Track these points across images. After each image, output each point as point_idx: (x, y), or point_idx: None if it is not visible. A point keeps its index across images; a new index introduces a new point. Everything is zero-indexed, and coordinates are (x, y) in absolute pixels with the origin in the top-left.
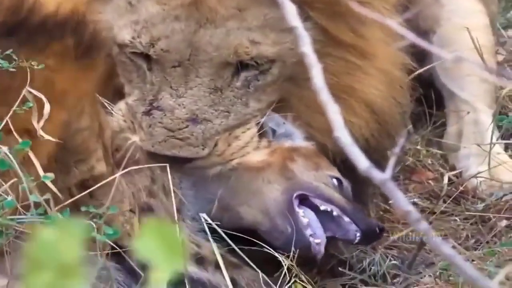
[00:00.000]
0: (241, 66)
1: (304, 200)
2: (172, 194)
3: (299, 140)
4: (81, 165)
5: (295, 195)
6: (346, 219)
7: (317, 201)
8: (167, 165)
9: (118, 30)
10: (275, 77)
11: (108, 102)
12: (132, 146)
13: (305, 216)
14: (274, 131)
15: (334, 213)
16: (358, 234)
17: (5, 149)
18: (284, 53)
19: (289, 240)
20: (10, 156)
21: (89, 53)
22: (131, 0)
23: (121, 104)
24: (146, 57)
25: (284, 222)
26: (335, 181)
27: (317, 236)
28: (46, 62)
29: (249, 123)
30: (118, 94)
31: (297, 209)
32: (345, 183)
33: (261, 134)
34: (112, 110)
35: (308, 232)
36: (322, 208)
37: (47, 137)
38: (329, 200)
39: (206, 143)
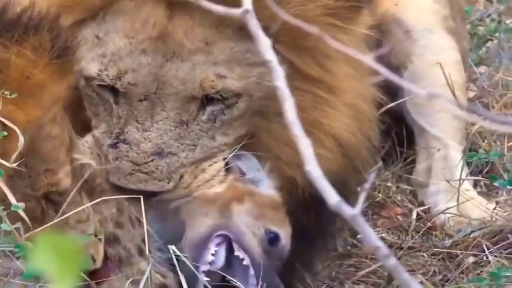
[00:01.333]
0: (207, 100)
1: (228, 241)
2: (145, 224)
3: (265, 188)
4: (50, 175)
5: (218, 233)
6: (251, 272)
7: (235, 246)
8: (141, 196)
9: (85, 63)
10: (242, 111)
11: (76, 135)
12: (90, 170)
13: (215, 254)
14: (243, 173)
15: (244, 262)
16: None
17: None
18: (250, 87)
19: (188, 269)
20: None
21: (64, 54)
22: (98, 33)
23: (88, 137)
24: (113, 90)
25: (192, 253)
26: (269, 235)
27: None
28: (23, 53)
29: (216, 157)
30: (86, 127)
31: (210, 245)
32: (284, 242)
33: (228, 170)
34: (79, 142)
35: (204, 268)
36: (236, 253)
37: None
38: (245, 249)
39: (171, 177)
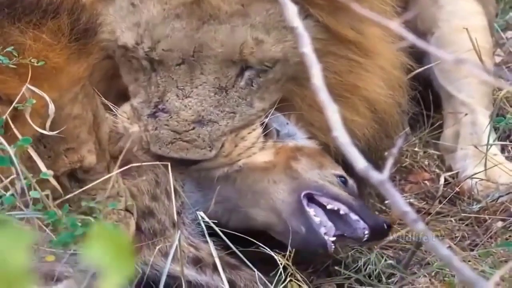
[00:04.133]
0: (246, 66)
1: (311, 199)
2: (173, 197)
3: (301, 140)
4: (71, 154)
5: (302, 194)
6: (354, 217)
7: (323, 200)
8: (168, 163)
9: (120, 33)
10: (278, 75)
11: (112, 104)
12: (130, 139)
13: (316, 215)
14: (278, 132)
15: (341, 212)
16: (366, 232)
17: (8, 147)
18: (287, 52)
19: (304, 240)
20: (12, 153)
21: (84, 36)
22: (133, 0)
23: (126, 107)
24: (150, 59)
25: (297, 223)
26: (339, 179)
27: (330, 234)
28: (39, 37)
29: (254, 124)
30: (121, 96)
31: (307, 208)
32: (350, 181)
33: (266, 135)
34: (117, 112)
35: (322, 230)
36: (329, 206)
37: (44, 132)
38: (335, 198)
39: (213, 145)
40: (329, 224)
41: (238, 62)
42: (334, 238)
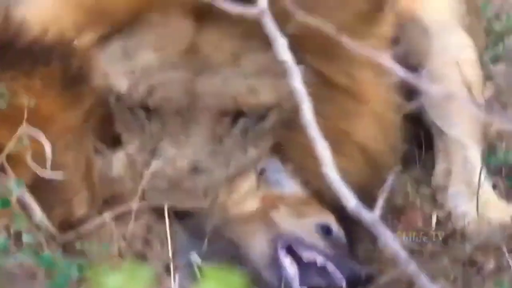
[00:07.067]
0: (240, 113)
1: (288, 250)
2: (169, 240)
3: (290, 188)
4: (63, 205)
5: (279, 245)
6: (330, 267)
7: (300, 250)
8: (165, 206)
9: (114, 79)
10: (273, 123)
11: (107, 150)
12: (124, 186)
13: (293, 266)
14: (268, 179)
15: (317, 263)
16: (342, 283)
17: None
18: (281, 98)
19: None
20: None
21: (76, 83)
22: (126, 47)
23: (120, 154)
24: (144, 107)
25: (271, 275)
26: (322, 229)
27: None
28: (31, 86)
29: (248, 171)
30: (116, 141)
31: (283, 259)
32: (335, 230)
33: (260, 182)
34: (111, 158)
35: (296, 283)
36: (304, 256)
37: (53, 176)
38: (311, 248)
39: (207, 194)
40: (304, 276)
41: (232, 111)
42: None
